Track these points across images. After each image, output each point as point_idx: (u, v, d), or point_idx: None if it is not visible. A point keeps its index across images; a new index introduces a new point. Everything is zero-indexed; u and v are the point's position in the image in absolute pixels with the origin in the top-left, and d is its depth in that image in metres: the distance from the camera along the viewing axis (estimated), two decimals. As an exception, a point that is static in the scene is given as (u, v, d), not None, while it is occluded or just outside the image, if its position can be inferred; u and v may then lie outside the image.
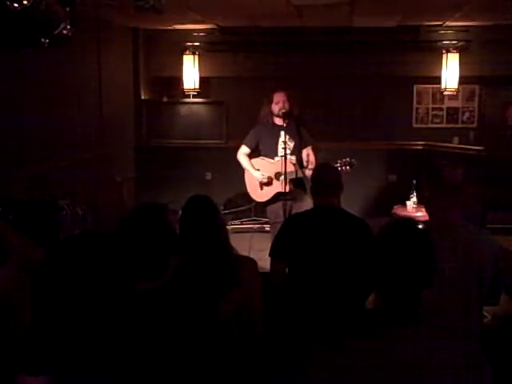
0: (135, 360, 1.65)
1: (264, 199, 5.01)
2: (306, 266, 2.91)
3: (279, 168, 4.73)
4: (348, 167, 4.63)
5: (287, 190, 4.63)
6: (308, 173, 4.55)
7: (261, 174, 4.94)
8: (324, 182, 3.06)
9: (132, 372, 1.65)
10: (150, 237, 1.76)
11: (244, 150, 5.08)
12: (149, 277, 1.75)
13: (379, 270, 1.59)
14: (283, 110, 4.83)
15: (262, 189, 5.01)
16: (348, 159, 4.67)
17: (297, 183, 4.82)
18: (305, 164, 4.80)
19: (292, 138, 4.85)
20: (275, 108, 4.91)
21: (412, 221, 1.80)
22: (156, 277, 1.76)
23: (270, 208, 5.00)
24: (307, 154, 4.82)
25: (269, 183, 4.95)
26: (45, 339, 1.68)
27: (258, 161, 5.04)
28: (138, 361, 1.66)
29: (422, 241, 1.61)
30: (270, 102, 4.95)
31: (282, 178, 4.66)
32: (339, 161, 4.64)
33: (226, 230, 2.56)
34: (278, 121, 4.92)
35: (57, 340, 1.66)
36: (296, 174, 4.75)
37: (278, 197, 4.85)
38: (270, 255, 3.04)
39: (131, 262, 1.75)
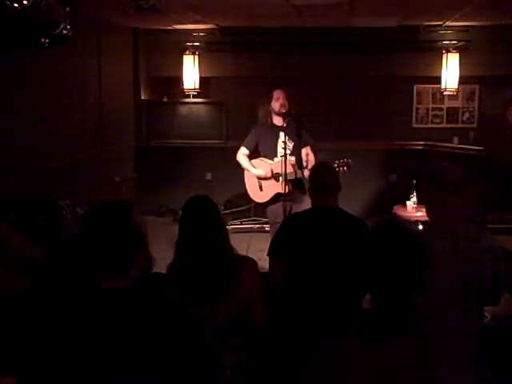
0: (102, 360, 1.64)
1: (264, 200, 5.00)
2: (304, 265, 2.91)
3: (278, 169, 4.72)
4: (345, 168, 4.66)
5: (286, 191, 4.63)
6: (307, 173, 4.55)
7: (262, 169, 4.93)
8: (322, 181, 3.06)
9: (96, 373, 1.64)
10: (111, 234, 1.74)
11: (243, 151, 5.06)
12: (112, 274, 1.74)
13: (369, 273, 1.57)
14: (283, 110, 4.80)
15: (261, 190, 5.00)
16: (345, 160, 4.69)
17: (296, 184, 4.82)
18: (304, 164, 4.80)
19: (291, 138, 4.84)
20: (275, 105, 4.88)
21: (399, 222, 1.76)
22: (120, 274, 1.75)
23: (269, 208, 5.00)
24: (306, 153, 4.82)
25: (269, 178, 4.92)
26: (16, 341, 1.68)
27: (258, 162, 5.03)
28: (105, 361, 1.64)
29: (409, 243, 1.56)
30: (270, 99, 4.93)
31: (282, 178, 4.66)
32: (336, 161, 4.66)
33: (226, 230, 2.55)
34: (277, 120, 4.91)
35: (32, 342, 1.67)
36: (295, 175, 4.75)
37: (277, 197, 4.84)
38: (268, 255, 3.04)
39: (94, 261, 1.75)
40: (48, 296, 1.87)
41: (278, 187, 4.82)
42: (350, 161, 4.70)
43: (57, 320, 1.68)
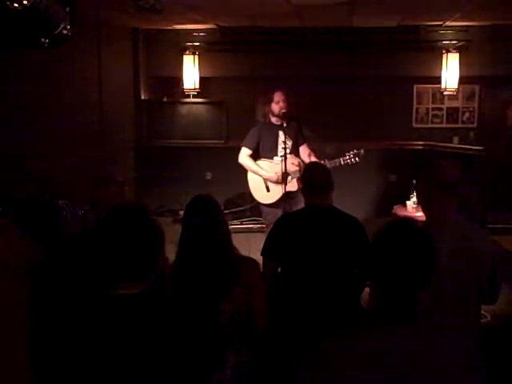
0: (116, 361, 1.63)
1: (271, 201, 4.91)
2: (298, 264, 2.91)
3: (283, 168, 4.74)
4: (357, 158, 4.75)
5: (296, 189, 4.62)
6: None
7: (274, 172, 4.86)
8: (314, 181, 3.06)
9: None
10: (130, 238, 1.71)
11: (246, 152, 4.97)
12: (131, 279, 1.72)
13: (379, 269, 1.59)
14: (283, 110, 4.81)
15: (268, 190, 4.93)
16: (355, 150, 4.77)
17: None
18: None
19: (290, 137, 4.84)
20: (275, 108, 4.88)
21: (413, 221, 1.79)
22: (139, 279, 1.72)
23: (266, 209, 4.95)
24: (309, 154, 4.85)
25: (282, 182, 4.87)
26: None
27: (265, 162, 4.97)
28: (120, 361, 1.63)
29: (423, 241, 1.60)
30: (270, 101, 4.92)
31: (290, 178, 4.71)
32: (347, 153, 4.74)
33: (229, 230, 2.54)
34: (276, 120, 4.91)
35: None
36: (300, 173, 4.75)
37: (285, 197, 4.74)
38: (261, 254, 3.03)
39: (111, 265, 1.72)
40: (50, 298, 1.86)
41: (287, 186, 4.78)
42: (361, 151, 4.74)
43: (63, 324, 1.68)
